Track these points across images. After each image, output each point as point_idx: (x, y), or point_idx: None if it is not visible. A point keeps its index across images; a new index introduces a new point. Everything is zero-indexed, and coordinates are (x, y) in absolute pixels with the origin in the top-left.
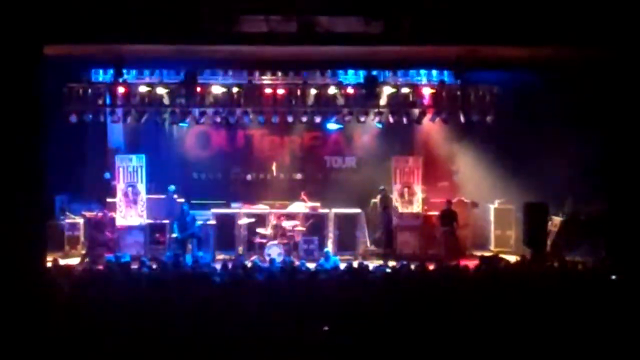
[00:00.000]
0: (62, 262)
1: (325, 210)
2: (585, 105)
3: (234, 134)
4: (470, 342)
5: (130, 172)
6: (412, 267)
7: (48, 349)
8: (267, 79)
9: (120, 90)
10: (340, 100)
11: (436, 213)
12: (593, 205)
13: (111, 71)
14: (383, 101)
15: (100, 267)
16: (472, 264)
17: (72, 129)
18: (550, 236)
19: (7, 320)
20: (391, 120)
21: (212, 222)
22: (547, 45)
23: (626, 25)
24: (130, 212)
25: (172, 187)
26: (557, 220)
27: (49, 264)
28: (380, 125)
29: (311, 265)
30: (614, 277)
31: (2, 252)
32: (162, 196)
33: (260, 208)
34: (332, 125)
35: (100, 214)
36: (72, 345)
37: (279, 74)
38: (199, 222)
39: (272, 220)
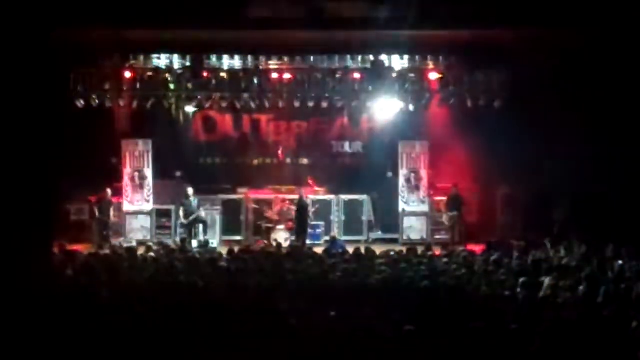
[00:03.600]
0: (68, 247)
1: (332, 195)
2: (593, 91)
3: (240, 119)
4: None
5: (136, 156)
6: (419, 251)
7: (55, 334)
8: (273, 64)
9: (127, 75)
10: (347, 85)
11: (443, 198)
12: (601, 191)
13: (118, 56)
14: (389, 86)
15: (107, 252)
16: (478, 248)
17: (79, 114)
18: (556, 222)
19: (13, 305)
20: (398, 105)
21: (219, 207)
22: (555, 28)
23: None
24: (136, 197)
25: (178, 172)
26: (562, 209)
27: (55, 249)
28: (386, 111)
29: (318, 250)
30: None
31: (9, 237)
32: (169, 181)
33: (267, 193)
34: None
35: (96, 198)
36: (78, 330)
37: (286, 59)
38: (205, 207)
39: (279, 205)
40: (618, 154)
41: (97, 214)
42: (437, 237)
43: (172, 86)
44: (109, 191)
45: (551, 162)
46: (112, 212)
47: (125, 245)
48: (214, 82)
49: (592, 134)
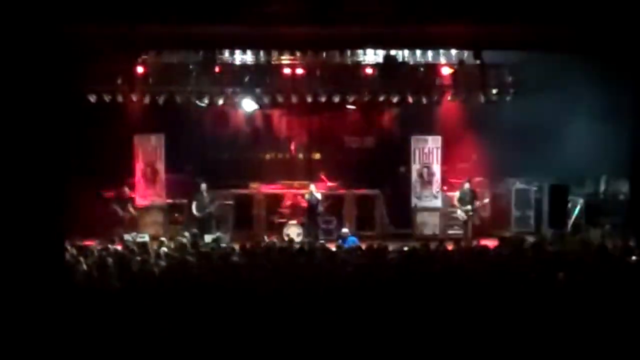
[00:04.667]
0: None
1: (344, 191)
2: (607, 83)
3: (253, 113)
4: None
5: (149, 151)
6: (432, 247)
7: (67, 328)
8: (285, 59)
9: (139, 70)
10: (359, 80)
11: (456, 193)
12: (615, 185)
13: (130, 51)
14: (402, 81)
15: (119, 247)
16: (492, 244)
17: (92, 109)
18: (570, 217)
19: (26, 300)
20: (410, 100)
21: (231, 202)
22: (567, 24)
23: None
24: (149, 192)
25: (190, 167)
26: (578, 200)
27: (67, 244)
28: (398, 106)
29: (330, 246)
30: (634, 258)
31: (22, 232)
32: (181, 176)
33: (279, 188)
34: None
35: (112, 193)
36: (91, 325)
37: (298, 53)
38: (218, 202)
39: (291, 201)
40: (632, 147)
41: (119, 210)
42: (450, 232)
43: (184, 81)
44: (126, 188)
45: (564, 155)
46: (131, 209)
47: (137, 240)
48: (226, 77)
49: (604, 127)
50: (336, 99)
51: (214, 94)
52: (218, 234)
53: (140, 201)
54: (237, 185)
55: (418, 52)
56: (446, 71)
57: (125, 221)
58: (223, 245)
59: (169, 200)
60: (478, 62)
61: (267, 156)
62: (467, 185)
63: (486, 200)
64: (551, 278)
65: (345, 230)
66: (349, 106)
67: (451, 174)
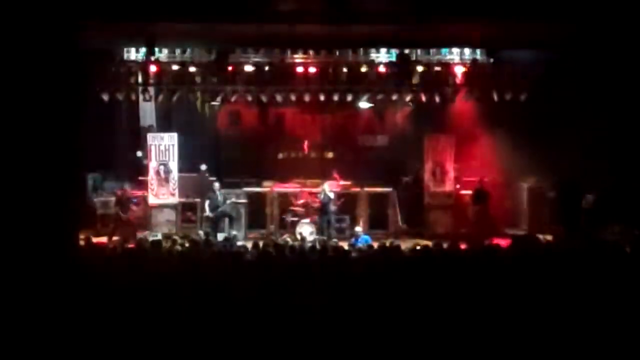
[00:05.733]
0: (94, 240)
1: (357, 189)
2: (618, 82)
3: (266, 112)
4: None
5: (162, 150)
6: (444, 246)
7: (79, 326)
8: (298, 57)
9: (152, 68)
10: (372, 79)
11: (469, 192)
12: (627, 183)
13: (143, 49)
14: (415, 80)
15: (132, 246)
16: (504, 243)
17: (105, 108)
18: (583, 214)
19: (39, 297)
20: (423, 98)
21: (244, 200)
22: (581, 22)
23: None
24: (162, 191)
25: (203, 166)
26: (590, 198)
27: (81, 242)
28: (412, 104)
29: (343, 244)
30: None
31: (36, 230)
32: (194, 175)
33: (292, 186)
34: (364, 104)
35: (120, 191)
36: (102, 323)
37: (311, 52)
38: (231, 201)
39: (304, 199)
40: None
41: (119, 211)
42: (463, 231)
43: (197, 80)
44: (127, 187)
45: (577, 154)
46: (133, 208)
47: (150, 238)
48: (239, 75)
49: (618, 126)
50: (349, 98)
51: (227, 92)
52: (232, 232)
53: (153, 199)
54: (250, 183)
55: (432, 50)
56: (459, 70)
57: (127, 222)
58: (236, 243)
59: (182, 199)
60: (492, 60)
61: (280, 155)
62: (479, 184)
63: (478, 207)
64: (563, 277)
65: (358, 229)
66: (362, 105)
67: (464, 172)
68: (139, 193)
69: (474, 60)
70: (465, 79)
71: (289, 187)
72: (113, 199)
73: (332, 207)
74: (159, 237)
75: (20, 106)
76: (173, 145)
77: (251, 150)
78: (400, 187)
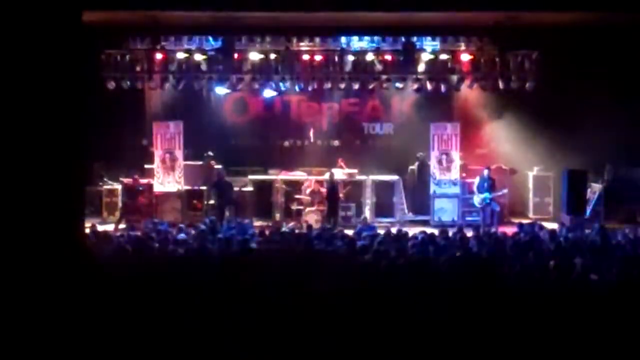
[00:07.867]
0: (100, 228)
1: (363, 177)
2: (627, 72)
3: (271, 100)
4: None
5: (167, 138)
6: (450, 233)
7: (84, 314)
8: (304, 45)
9: (158, 57)
10: (378, 67)
11: (474, 180)
12: (634, 172)
13: (149, 38)
14: (421, 68)
15: (138, 233)
16: (510, 231)
17: (110, 96)
18: (589, 203)
19: (44, 285)
20: (429, 86)
21: (250, 188)
22: (589, 10)
23: None
24: (167, 179)
25: (209, 154)
26: (596, 187)
27: (87, 230)
28: (418, 92)
29: (349, 232)
30: None
31: (41, 218)
32: (200, 163)
33: (298, 174)
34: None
35: (130, 180)
36: (109, 311)
37: (317, 40)
38: (236, 189)
39: (310, 187)
40: None
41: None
42: (469, 218)
43: (203, 68)
44: (137, 176)
45: (583, 142)
46: (141, 197)
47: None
48: (245, 64)
49: (623, 113)
50: (355, 86)
51: (233, 80)
52: (237, 220)
53: (159, 188)
54: (256, 171)
55: (437, 38)
56: (465, 58)
57: (139, 209)
58: (241, 231)
59: (188, 187)
60: (498, 48)
61: (286, 143)
62: (485, 172)
63: (505, 190)
64: (570, 265)
65: (364, 217)
66: (367, 91)
67: (470, 160)
68: (145, 181)
69: (480, 48)
70: (471, 67)
71: (295, 175)
72: (119, 187)
73: (338, 195)
74: (165, 225)
75: (25, 94)
76: (179, 133)
77: (257, 138)
78: (406, 175)
